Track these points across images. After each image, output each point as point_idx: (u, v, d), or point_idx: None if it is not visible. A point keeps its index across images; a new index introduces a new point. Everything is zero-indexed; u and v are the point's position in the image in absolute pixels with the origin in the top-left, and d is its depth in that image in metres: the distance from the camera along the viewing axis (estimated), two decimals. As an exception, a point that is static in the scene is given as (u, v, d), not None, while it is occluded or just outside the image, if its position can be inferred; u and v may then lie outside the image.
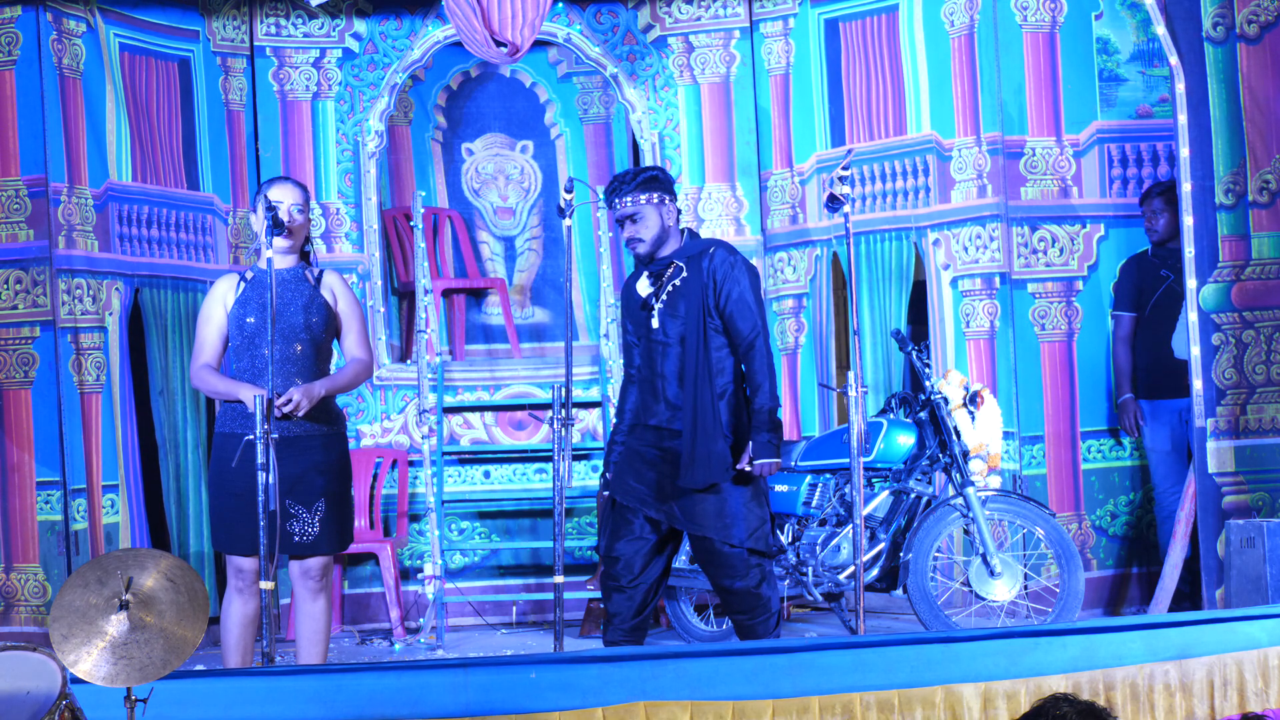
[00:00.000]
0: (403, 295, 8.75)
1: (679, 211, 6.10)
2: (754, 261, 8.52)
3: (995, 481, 7.01)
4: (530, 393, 8.46)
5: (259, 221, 5.72)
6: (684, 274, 6.00)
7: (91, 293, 7.37)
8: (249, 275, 5.89)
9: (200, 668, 5.67)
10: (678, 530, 6.06)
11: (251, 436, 5.46)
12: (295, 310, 5.81)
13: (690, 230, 6.17)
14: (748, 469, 5.92)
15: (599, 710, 4.74)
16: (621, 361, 6.81)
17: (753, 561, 5.97)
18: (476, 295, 8.93)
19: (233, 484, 5.67)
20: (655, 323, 6.01)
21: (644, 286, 6.07)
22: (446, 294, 8.79)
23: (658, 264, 6.05)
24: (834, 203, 6.01)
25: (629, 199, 5.95)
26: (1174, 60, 6.64)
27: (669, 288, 6.01)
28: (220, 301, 5.85)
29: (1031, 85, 7.71)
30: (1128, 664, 5.00)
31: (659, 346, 6.00)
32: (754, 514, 5.99)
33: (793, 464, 7.24)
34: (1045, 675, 4.91)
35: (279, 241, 5.75)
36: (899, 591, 7.04)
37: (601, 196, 6.12)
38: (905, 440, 7.07)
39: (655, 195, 5.98)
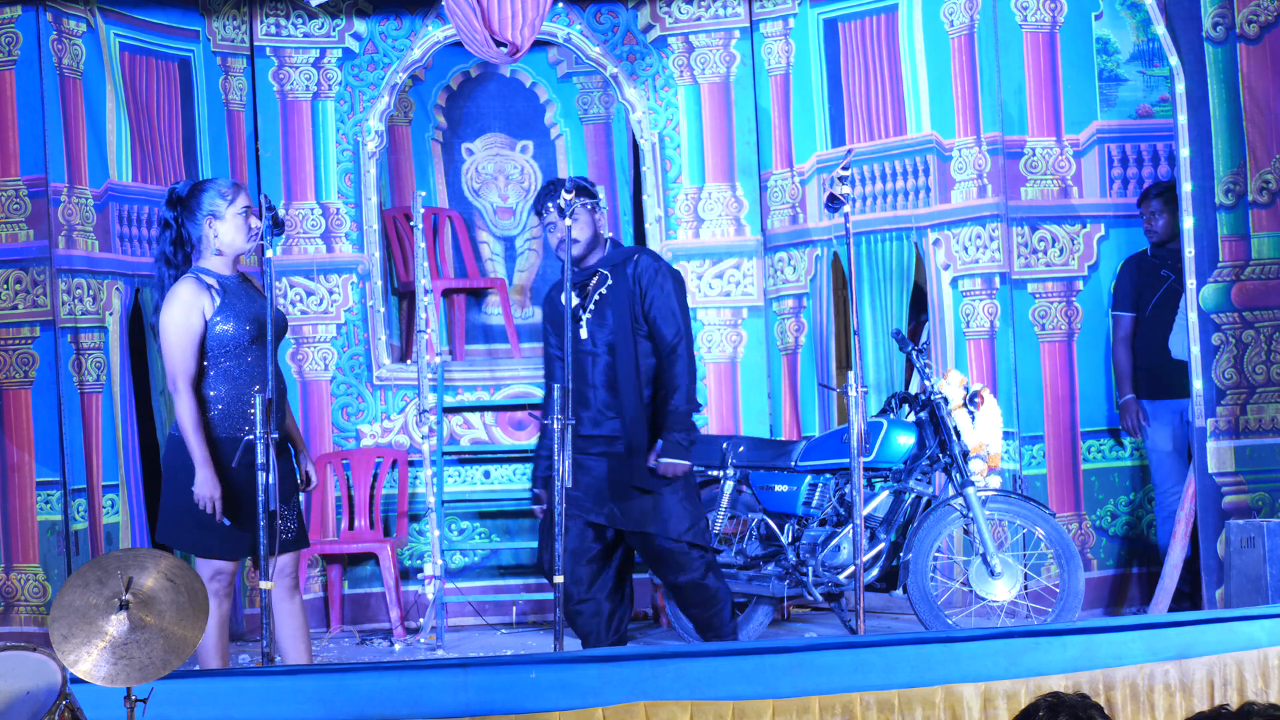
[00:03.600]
0: (403, 295, 8.75)
1: (602, 224, 6.23)
2: (754, 261, 8.56)
3: (995, 481, 7.02)
4: (530, 393, 8.46)
5: (255, 222, 5.68)
6: (609, 282, 6.10)
7: (91, 293, 7.37)
8: (211, 282, 5.64)
9: (200, 668, 5.67)
10: (622, 542, 6.15)
11: (252, 437, 5.40)
12: (275, 316, 5.74)
13: (614, 240, 6.30)
14: (653, 466, 5.99)
15: (599, 710, 4.74)
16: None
17: (694, 554, 6.09)
18: (476, 295, 8.93)
19: (238, 488, 5.62)
20: (584, 333, 6.09)
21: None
22: (446, 294, 8.79)
23: (582, 274, 6.15)
24: (834, 203, 6.01)
25: (563, 202, 5.95)
26: (1174, 60, 6.64)
27: (595, 296, 6.10)
28: (198, 310, 5.59)
29: (1031, 85, 7.71)
30: (1128, 664, 5.00)
31: (588, 356, 6.09)
32: (689, 510, 6.12)
33: (793, 464, 7.24)
34: (1045, 675, 4.90)
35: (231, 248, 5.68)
36: (899, 591, 7.04)
37: (530, 206, 6.22)
38: (905, 440, 7.07)
39: (588, 201, 6.13)
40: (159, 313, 5.69)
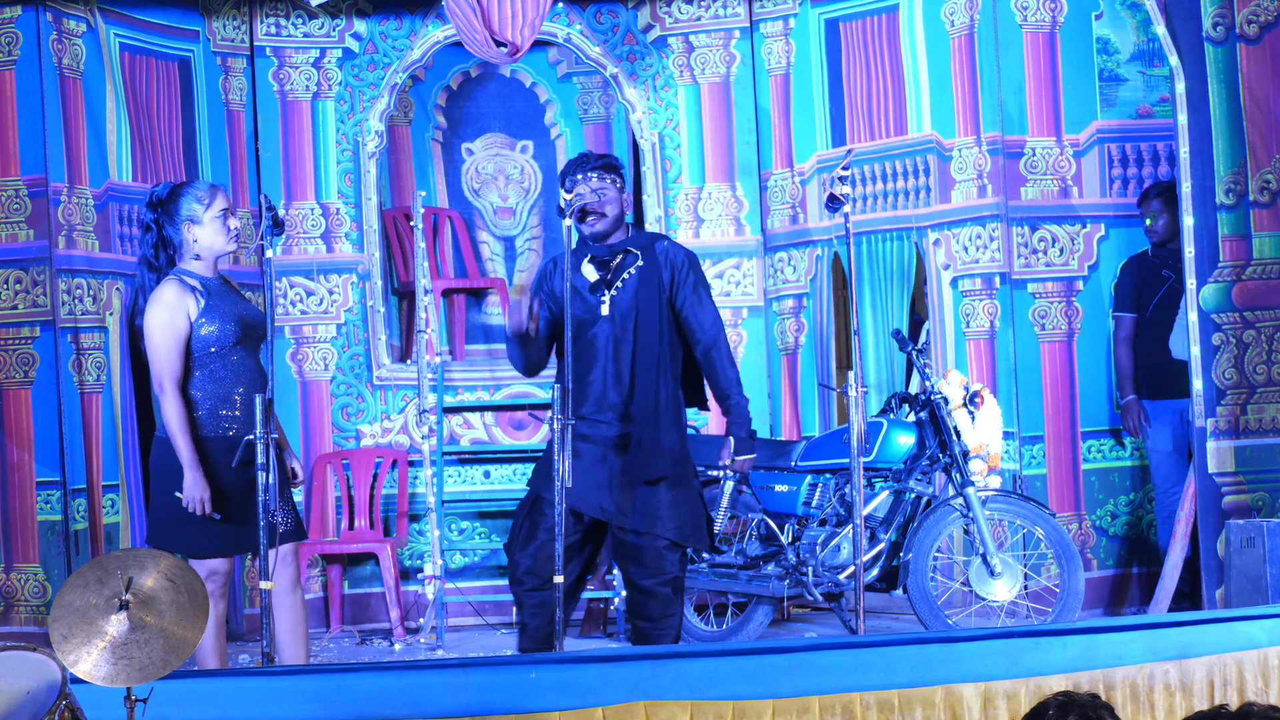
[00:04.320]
0: (403, 295, 8.75)
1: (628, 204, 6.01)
2: (753, 261, 8.56)
3: (995, 481, 7.02)
4: (530, 393, 8.45)
5: (234, 223, 5.68)
6: (639, 262, 5.89)
7: (91, 293, 7.38)
8: (194, 284, 5.67)
9: (196, 668, 5.66)
10: (598, 534, 5.96)
11: (249, 437, 5.40)
12: (256, 316, 5.78)
13: (632, 224, 6.08)
14: (727, 464, 5.90)
15: (599, 710, 4.74)
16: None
17: (670, 561, 5.87)
18: (476, 295, 8.93)
19: (226, 486, 5.62)
20: (605, 309, 5.85)
21: (590, 272, 5.92)
22: (446, 294, 8.79)
23: (603, 249, 5.90)
24: (834, 203, 6.00)
25: (595, 175, 5.84)
26: (1174, 60, 6.64)
27: (624, 274, 5.89)
28: (183, 313, 5.61)
29: (1031, 85, 7.71)
30: (1128, 664, 5.00)
31: (606, 336, 5.85)
32: (699, 509, 5.92)
33: (793, 464, 7.24)
34: (1045, 675, 4.90)
35: (208, 249, 5.70)
36: (899, 591, 7.04)
37: (560, 176, 6.01)
38: (905, 440, 7.07)
39: (618, 179, 5.90)
40: (142, 315, 5.71)
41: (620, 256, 5.91)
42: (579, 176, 5.85)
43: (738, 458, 5.90)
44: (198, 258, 5.69)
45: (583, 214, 5.85)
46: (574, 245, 5.79)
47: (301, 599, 5.81)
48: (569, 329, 5.68)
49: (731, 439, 5.91)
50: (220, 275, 5.78)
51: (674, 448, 5.87)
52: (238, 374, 5.67)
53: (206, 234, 5.66)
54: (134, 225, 7.65)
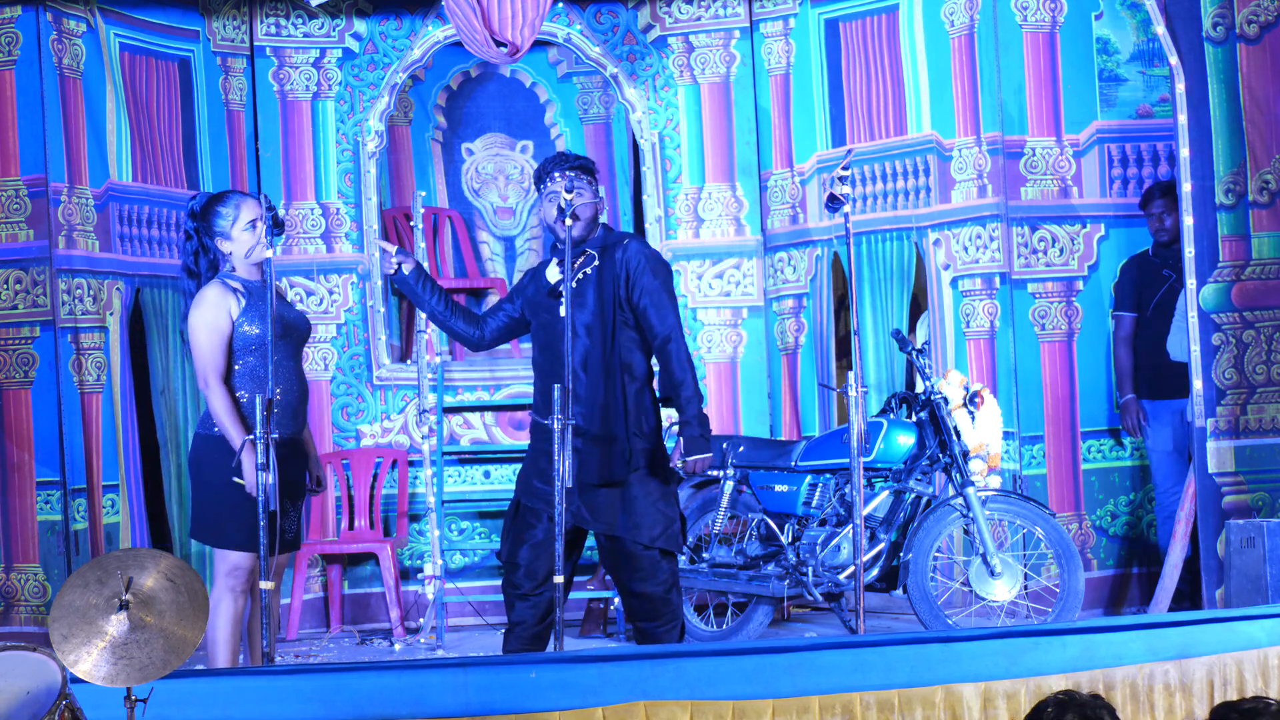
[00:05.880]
0: (403, 295, 8.74)
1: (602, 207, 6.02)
2: (753, 261, 8.56)
3: (995, 481, 7.02)
4: (530, 393, 8.43)
5: (261, 228, 5.75)
6: (596, 263, 5.87)
7: (92, 293, 7.38)
8: (236, 286, 5.80)
9: (200, 668, 5.67)
10: (583, 533, 5.95)
11: (252, 437, 5.47)
12: (297, 317, 5.91)
13: (606, 225, 6.07)
14: (679, 465, 5.86)
15: (599, 710, 4.74)
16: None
17: (663, 565, 5.84)
18: (477, 295, 8.93)
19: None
20: (563, 310, 5.80)
21: (553, 273, 5.93)
22: (446, 294, 8.79)
23: (572, 252, 5.86)
24: (834, 203, 6.00)
25: (572, 174, 5.84)
26: (1174, 60, 6.65)
27: (579, 275, 5.87)
28: (225, 312, 5.75)
29: (1031, 85, 7.71)
30: (1128, 664, 5.00)
31: (564, 336, 5.80)
32: (664, 512, 5.85)
33: (793, 464, 7.24)
34: (1045, 675, 4.91)
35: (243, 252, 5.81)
36: (899, 591, 7.04)
37: (534, 174, 6.02)
38: (905, 440, 7.07)
39: (593, 180, 5.91)
40: (187, 320, 5.89)
41: (580, 258, 5.91)
42: (556, 174, 5.86)
43: (689, 457, 5.83)
44: (233, 269, 5.87)
45: (569, 212, 5.82)
46: (552, 246, 5.82)
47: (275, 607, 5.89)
48: (568, 330, 5.69)
49: (682, 438, 5.85)
50: (259, 281, 5.90)
51: (640, 449, 5.83)
52: (277, 372, 5.74)
53: (238, 247, 5.84)
54: (134, 225, 7.69)
